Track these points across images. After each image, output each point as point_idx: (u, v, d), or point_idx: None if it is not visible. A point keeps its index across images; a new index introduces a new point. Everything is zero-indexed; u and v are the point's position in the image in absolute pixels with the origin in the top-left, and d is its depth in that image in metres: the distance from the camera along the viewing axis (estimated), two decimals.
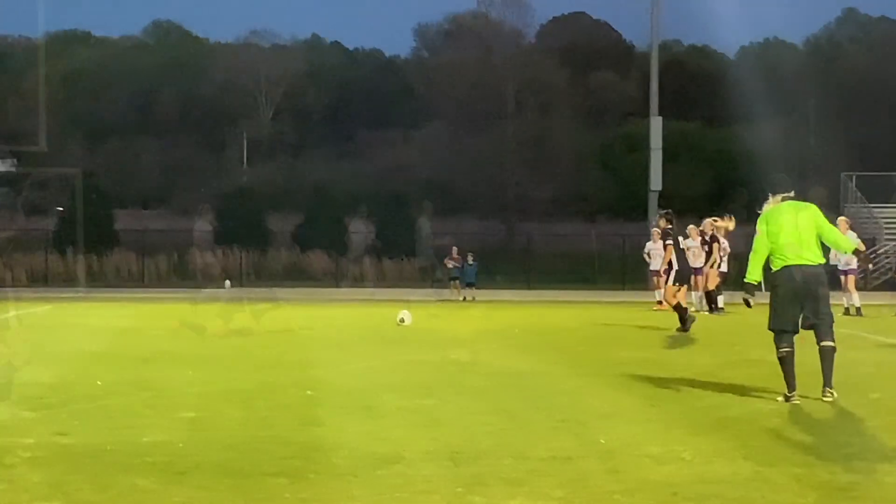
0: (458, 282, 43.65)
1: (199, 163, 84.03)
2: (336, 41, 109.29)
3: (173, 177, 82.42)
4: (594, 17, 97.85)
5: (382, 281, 57.95)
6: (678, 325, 23.77)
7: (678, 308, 24.11)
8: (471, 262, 44.04)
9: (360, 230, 64.37)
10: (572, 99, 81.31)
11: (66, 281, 56.08)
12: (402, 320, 25.76)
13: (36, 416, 11.52)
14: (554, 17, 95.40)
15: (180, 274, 59.78)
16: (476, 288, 43.27)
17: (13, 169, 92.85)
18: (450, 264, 44.38)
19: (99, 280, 57.20)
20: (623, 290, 48.90)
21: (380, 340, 21.66)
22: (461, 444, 10.13)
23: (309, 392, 13.56)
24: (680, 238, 26.07)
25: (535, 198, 73.66)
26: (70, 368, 16.13)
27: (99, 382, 14.20)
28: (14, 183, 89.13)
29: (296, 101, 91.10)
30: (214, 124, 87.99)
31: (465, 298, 41.60)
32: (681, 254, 25.29)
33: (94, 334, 22.69)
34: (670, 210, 26.83)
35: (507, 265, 57.51)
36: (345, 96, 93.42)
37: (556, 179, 74.81)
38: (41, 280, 56.59)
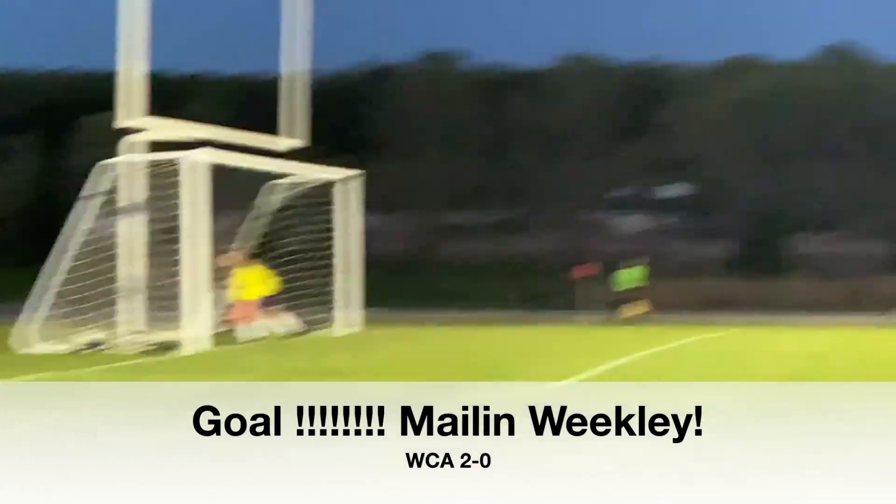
0: None
1: (873, 185, 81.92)
2: None
3: (847, 200, 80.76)
4: None
5: None
6: None
7: None
8: None
9: None
10: None
11: (735, 306, 55.67)
12: None
13: None
14: None
15: (866, 299, 57.64)
16: None
17: (683, 194, 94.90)
18: None
19: (771, 305, 56.24)
20: None
21: None
22: None
23: None
24: None
25: None
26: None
27: None
28: (684, 208, 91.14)
29: None
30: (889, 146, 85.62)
31: None
32: None
33: (782, 360, 21.82)
34: None
35: None
36: None
37: None
38: (714, 305, 56.38)
